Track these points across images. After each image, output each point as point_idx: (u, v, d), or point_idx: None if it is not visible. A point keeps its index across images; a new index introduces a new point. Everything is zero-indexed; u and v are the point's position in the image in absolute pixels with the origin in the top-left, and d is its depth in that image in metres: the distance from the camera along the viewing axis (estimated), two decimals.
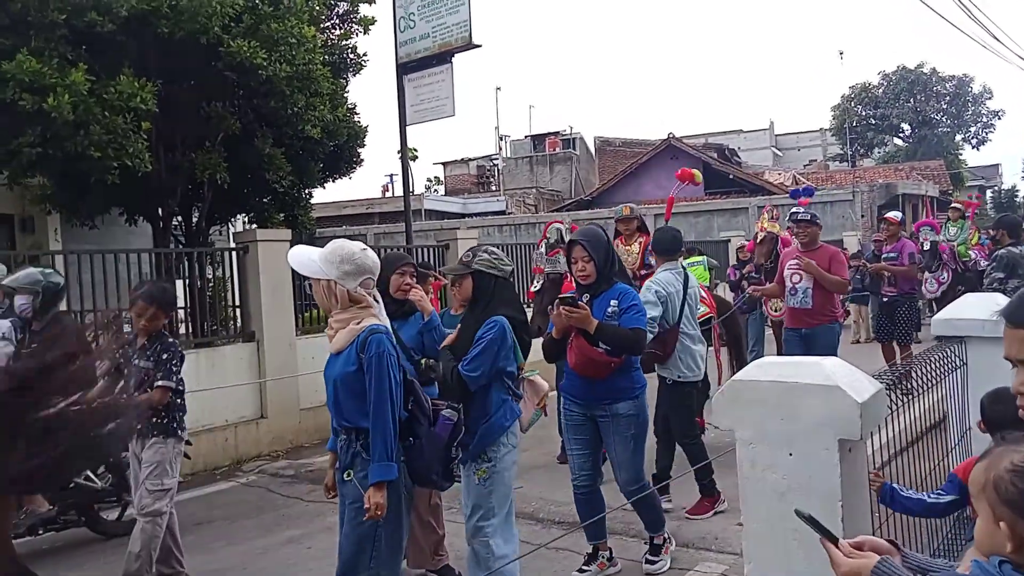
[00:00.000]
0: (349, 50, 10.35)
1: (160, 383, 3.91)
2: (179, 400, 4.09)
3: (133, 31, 7.32)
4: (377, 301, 2.96)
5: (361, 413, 2.82)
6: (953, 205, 13.43)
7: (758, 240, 7.70)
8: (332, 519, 3.75)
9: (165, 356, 3.97)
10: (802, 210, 9.59)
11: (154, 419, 3.93)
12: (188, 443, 4.29)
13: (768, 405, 2.16)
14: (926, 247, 10.27)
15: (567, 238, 5.29)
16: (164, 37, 7.30)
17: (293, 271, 7.66)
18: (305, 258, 2.94)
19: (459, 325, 3.53)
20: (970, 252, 11.41)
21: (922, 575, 1.37)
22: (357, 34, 10.39)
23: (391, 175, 33.83)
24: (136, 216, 9.17)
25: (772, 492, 2.16)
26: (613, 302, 3.73)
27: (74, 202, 8.21)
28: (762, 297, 7.38)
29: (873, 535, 2.31)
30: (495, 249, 3.56)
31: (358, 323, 2.86)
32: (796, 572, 2.14)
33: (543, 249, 5.94)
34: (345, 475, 2.91)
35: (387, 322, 2.94)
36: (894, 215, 8.79)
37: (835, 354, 4.33)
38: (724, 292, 10.25)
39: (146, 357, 3.94)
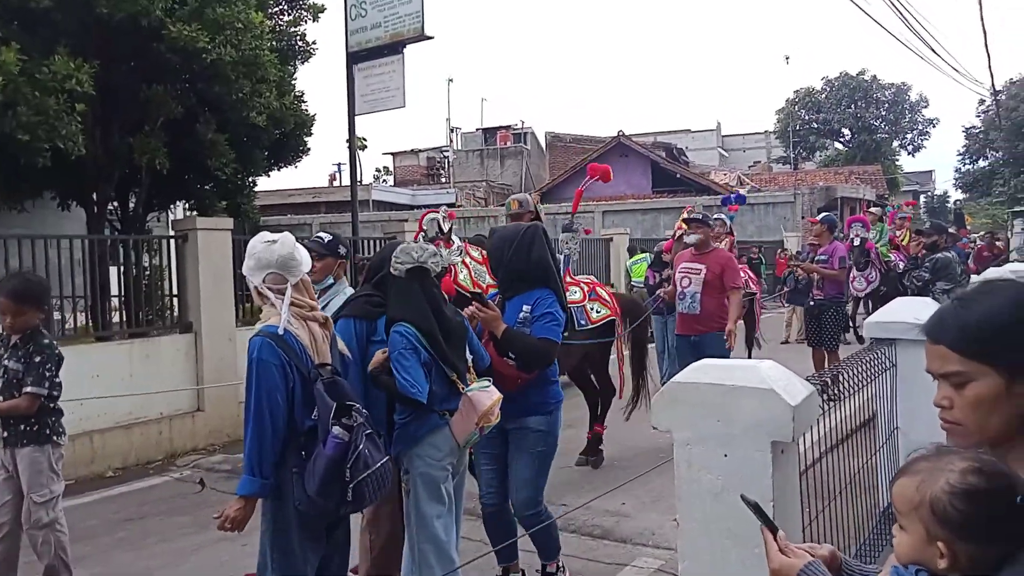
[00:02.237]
0: (298, 37, 10.17)
1: (29, 390, 3.54)
2: (52, 405, 3.70)
3: (70, 10, 7.04)
4: (295, 300, 2.73)
5: None
6: (870, 209, 13.89)
7: (675, 238, 7.51)
8: None
9: (38, 359, 3.59)
10: (724, 216, 9.79)
11: (23, 427, 3.60)
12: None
13: (705, 407, 2.20)
14: (856, 243, 10.45)
15: (445, 227, 5.12)
16: (103, 17, 7.04)
17: (236, 260, 7.57)
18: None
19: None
20: (890, 255, 11.78)
21: None
22: (306, 21, 10.21)
23: (339, 164, 33.44)
24: (69, 201, 8.84)
25: (707, 492, 2.20)
26: (526, 307, 3.44)
27: (2, 185, 7.87)
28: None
29: (803, 533, 2.38)
30: (405, 245, 3.27)
31: (263, 323, 2.69)
32: (729, 570, 2.18)
33: (420, 241, 5.60)
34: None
35: (294, 323, 2.68)
36: (819, 216, 8.79)
37: None
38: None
39: (16, 358, 3.58)
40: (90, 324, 7.86)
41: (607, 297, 5.93)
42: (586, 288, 5.83)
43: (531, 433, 3.47)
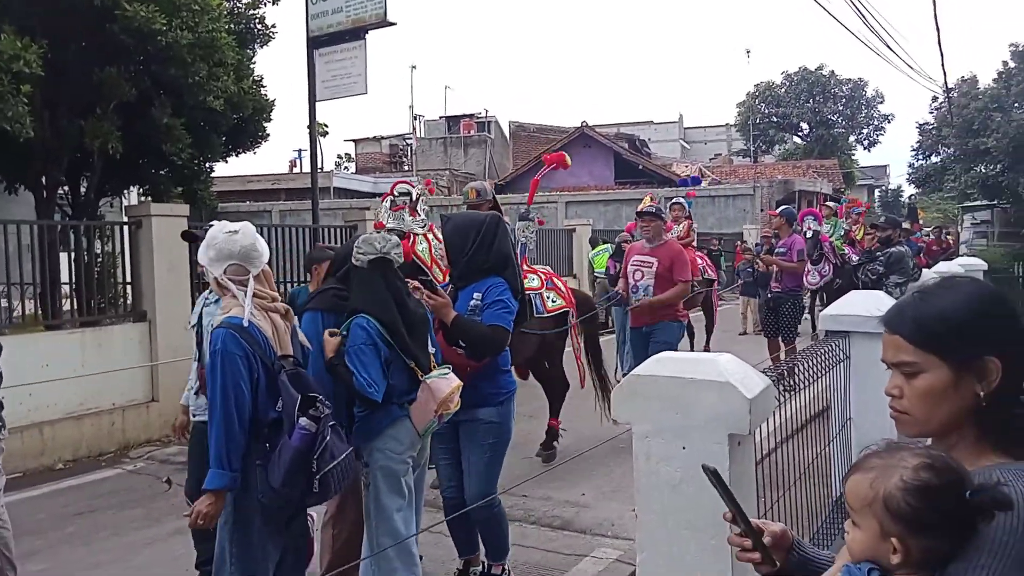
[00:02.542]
0: (257, 20, 9.94)
1: None
2: None
3: None
4: (258, 291, 2.69)
5: None
6: (826, 203, 14.10)
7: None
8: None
9: None
10: (681, 199, 9.84)
11: None
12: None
13: (664, 400, 2.21)
14: (808, 235, 10.59)
15: (414, 196, 5.10)
16: None
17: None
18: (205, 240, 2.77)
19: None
20: (844, 248, 11.96)
21: (804, 565, 1.42)
22: (265, 4, 9.99)
23: (299, 151, 32.92)
24: (17, 184, 8.54)
25: (666, 484, 2.22)
26: (476, 295, 3.38)
27: None
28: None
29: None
30: (368, 235, 3.23)
31: (224, 314, 2.66)
32: (687, 562, 2.21)
33: (387, 204, 5.37)
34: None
35: (257, 314, 2.65)
36: (779, 210, 8.90)
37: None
38: None
39: None
40: (39, 312, 7.63)
41: (563, 288, 5.88)
42: (543, 277, 5.81)
43: (482, 425, 3.41)
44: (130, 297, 7.60)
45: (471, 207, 5.18)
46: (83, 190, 8.88)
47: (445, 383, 3.15)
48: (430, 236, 5.27)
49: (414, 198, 5.22)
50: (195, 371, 3.61)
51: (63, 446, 6.33)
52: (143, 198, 9.77)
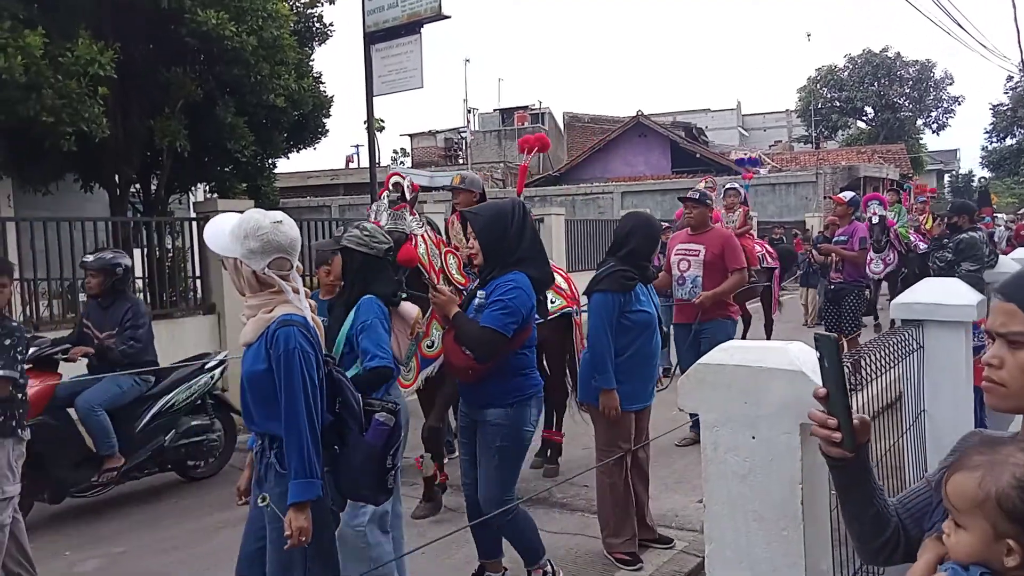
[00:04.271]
0: (315, 19, 10.14)
1: (0, 373, 3.29)
2: (20, 395, 3.44)
3: None
4: (295, 287, 2.50)
5: (272, 418, 2.41)
6: (890, 190, 13.56)
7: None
8: None
9: (8, 342, 3.33)
10: (737, 184, 9.40)
11: None
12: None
13: (732, 389, 2.18)
14: (875, 221, 10.14)
15: (408, 195, 4.79)
16: (122, 0, 7.06)
17: None
18: (218, 230, 2.47)
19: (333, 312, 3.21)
20: (910, 235, 11.48)
21: (861, 473, 1.44)
22: (323, 3, 10.18)
23: (357, 146, 33.44)
24: (92, 183, 8.92)
25: (734, 475, 2.19)
26: (481, 293, 3.23)
27: (27, 167, 7.95)
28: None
29: (831, 515, 2.36)
30: (371, 225, 3.24)
31: (268, 311, 2.43)
32: (756, 554, 2.18)
33: (385, 201, 5.01)
34: (260, 500, 2.45)
35: (307, 311, 2.50)
36: (844, 195, 8.17)
37: None
38: None
39: None
40: None
41: (563, 284, 5.36)
42: None
43: (489, 426, 3.28)
44: (199, 290, 7.85)
45: (456, 192, 5.05)
46: (153, 187, 9.21)
47: (410, 306, 3.29)
48: (425, 236, 4.96)
49: (408, 196, 4.88)
50: None
51: None
52: (209, 194, 10.09)
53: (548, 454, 5.46)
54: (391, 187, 4.87)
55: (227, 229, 2.45)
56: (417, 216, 4.98)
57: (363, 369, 2.98)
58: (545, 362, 5.38)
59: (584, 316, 5.46)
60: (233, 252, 2.43)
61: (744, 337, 9.15)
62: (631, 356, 3.82)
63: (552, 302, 5.14)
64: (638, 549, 3.91)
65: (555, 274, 5.20)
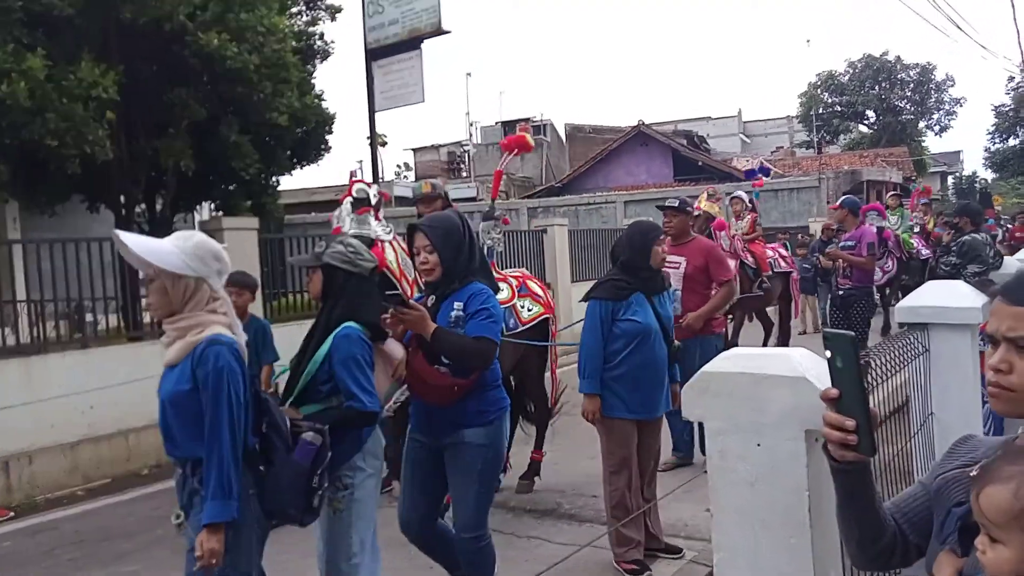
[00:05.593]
0: (316, 37, 10.23)
1: None
2: None
3: (93, 15, 7.14)
4: (230, 307, 2.51)
5: (197, 439, 2.35)
6: (891, 193, 13.47)
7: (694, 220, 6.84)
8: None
9: None
10: (742, 192, 9.33)
11: None
12: None
13: (737, 397, 2.18)
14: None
15: (373, 200, 4.61)
16: (126, 22, 7.13)
17: (263, 258, 7.65)
18: (155, 246, 2.42)
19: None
20: (912, 241, 11.34)
21: (865, 475, 1.39)
22: (324, 21, 10.27)
23: (360, 161, 33.63)
24: (98, 203, 8.99)
25: (741, 482, 2.18)
26: (457, 304, 3.03)
27: (33, 189, 8.01)
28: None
29: (837, 525, 2.36)
30: (356, 242, 3.01)
31: (198, 332, 2.39)
32: (764, 562, 2.17)
33: (347, 206, 4.75)
34: (174, 517, 2.42)
35: (239, 334, 2.47)
36: (844, 200, 8.02)
37: None
38: None
39: None
40: (122, 325, 7.98)
41: (539, 291, 5.21)
42: (515, 283, 5.10)
43: (469, 449, 3.05)
44: None
45: (424, 200, 4.70)
46: (159, 207, 9.28)
47: (396, 345, 2.97)
48: (396, 245, 4.74)
49: (374, 202, 4.75)
50: None
51: (148, 452, 6.59)
52: (215, 213, 10.14)
53: (529, 473, 5.25)
54: (354, 193, 4.69)
55: (171, 247, 2.41)
56: (383, 221, 4.82)
57: (343, 407, 2.76)
58: (521, 376, 5.19)
59: (558, 326, 5.48)
60: (195, 272, 2.40)
61: (765, 344, 8.96)
62: (624, 365, 3.81)
63: (529, 310, 5.03)
64: (645, 557, 3.90)
65: (527, 282, 5.20)
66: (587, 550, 4.15)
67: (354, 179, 4.90)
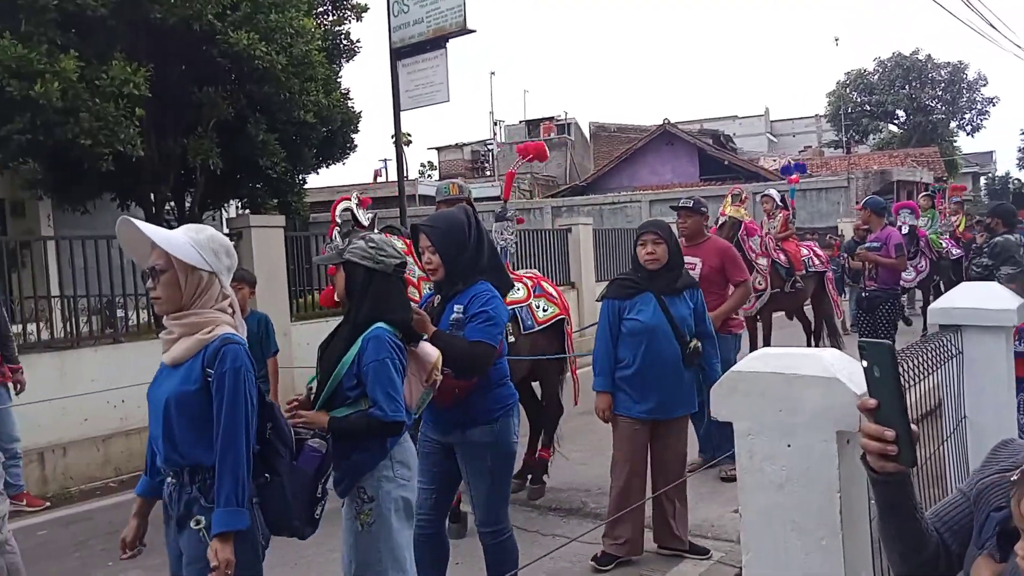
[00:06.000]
0: (342, 36, 10.30)
1: None
2: None
3: (124, 15, 7.25)
4: (237, 307, 2.40)
5: (201, 444, 2.21)
6: (923, 194, 13.29)
7: (718, 225, 6.84)
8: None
9: None
10: (773, 191, 9.19)
11: None
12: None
13: (766, 396, 2.15)
14: (904, 231, 9.85)
15: (360, 216, 4.51)
16: (156, 22, 7.23)
17: (289, 256, 7.71)
18: (171, 236, 2.33)
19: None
20: (941, 241, 11.20)
21: (905, 485, 1.35)
22: (350, 20, 10.33)
23: (385, 160, 33.76)
24: (128, 201, 9.13)
25: (771, 483, 2.16)
26: (458, 307, 2.99)
27: (65, 187, 8.17)
28: None
29: (870, 525, 2.32)
30: (379, 236, 2.85)
31: (209, 331, 2.27)
32: (794, 564, 2.14)
33: (338, 239, 4.54)
34: (193, 523, 2.22)
35: (243, 335, 2.36)
36: (866, 201, 7.84)
37: None
38: None
39: None
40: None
41: (553, 292, 5.23)
42: (530, 284, 5.11)
43: (477, 447, 3.07)
44: None
45: (450, 203, 4.53)
46: (188, 204, 9.41)
47: (430, 348, 2.80)
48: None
49: (363, 220, 4.63)
50: None
51: None
52: (242, 210, 10.26)
53: (530, 478, 5.21)
54: (338, 219, 4.52)
55: (183, 239, 2.31)
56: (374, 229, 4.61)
57: (366, 414, 2.58)
58: (541, 375, 5.20)
59: (573, 327, 5.47)
60: (209, 266, 2.30)
61: (809, 344, 8.74)
62: (631, 364, 3.85)
63: (544, 310, 5.05)
64: (640, 553, 3.98)
65: (541, 283, 5.21)
66: None
67: (337, 200, 4.72)
